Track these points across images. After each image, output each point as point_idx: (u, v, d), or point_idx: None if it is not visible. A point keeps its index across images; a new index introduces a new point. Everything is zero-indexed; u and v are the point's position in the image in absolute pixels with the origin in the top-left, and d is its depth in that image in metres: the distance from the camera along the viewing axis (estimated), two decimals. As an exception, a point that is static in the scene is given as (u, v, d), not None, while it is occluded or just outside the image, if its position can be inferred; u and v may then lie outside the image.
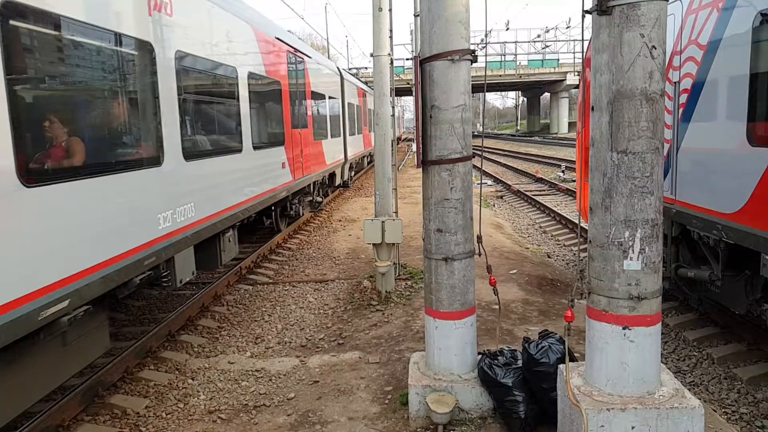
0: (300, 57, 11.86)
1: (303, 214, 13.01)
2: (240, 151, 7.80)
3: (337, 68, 18.28)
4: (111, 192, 4.72)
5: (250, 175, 8.22)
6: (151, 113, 5.46)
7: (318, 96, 13.67)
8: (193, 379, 5.61)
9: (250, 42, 8.50)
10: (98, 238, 4.50)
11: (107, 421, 4.85)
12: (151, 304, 7.91)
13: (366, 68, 37.50)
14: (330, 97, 15.48)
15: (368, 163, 28.81)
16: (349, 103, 19.07)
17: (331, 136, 15.41)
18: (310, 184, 12.59)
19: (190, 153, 6.20)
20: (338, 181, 17.53)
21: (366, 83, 27.64)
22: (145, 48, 5.34)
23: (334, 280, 8.89)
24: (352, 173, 21.67)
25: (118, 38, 4.91)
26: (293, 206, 11.84)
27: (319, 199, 13.94)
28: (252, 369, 5.77)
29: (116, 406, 4.99)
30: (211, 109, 7.19)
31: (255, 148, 8.37)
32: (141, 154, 5.26)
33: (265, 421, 4.73)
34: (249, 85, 8.17)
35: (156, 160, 5.47)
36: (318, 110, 13.69)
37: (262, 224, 11.28)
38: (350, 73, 25.87)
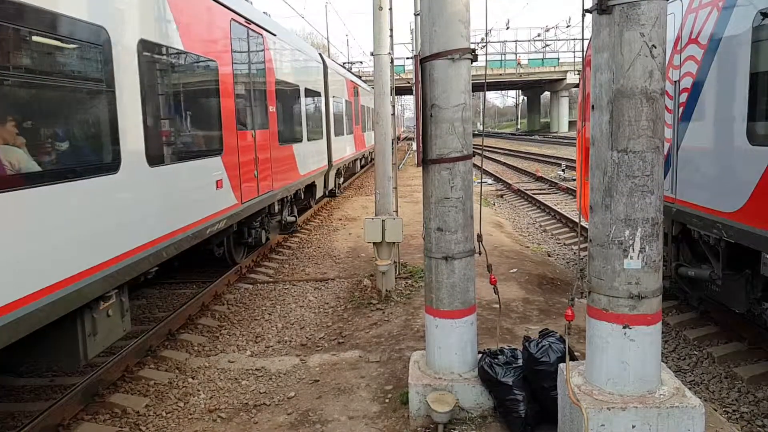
0: (256, 32, 8.65)
1: (268, 240, 9.95)
2: (115, 169, 4.91)
3: (320, 55, 14.99)
4: None
5: (145, 206, 5.40)
6: None
7: (286, 87, 10.61)
8: (193, 378, 5.61)
9: None
10: None
11: (107, 420, 4.85)
12: (151, 302, 7.92)
13: (361, 62, 37.21)
14: (308, 90, 12.48)
15: (362, 167, 26.45)
16: (335, 98, 16.15)
17: (308, 139, 12.40)
18: (273, 203, 9.72)
19: None
20: (320, 192, 14.47)
21: (360, 77, 26.92)
22: None
23: (335, 279, 8.90)
24: (341, 180, 18.73)
25: None
26: (252, 231, 9.10)
27: (290, 218, 11.04)
28: (252, 368, 5.77)
29: (116, 405, 5.00)
30: (29, 100, 4.07)
31: (154, 162, 5.52)
32: None
33: (266, 420, 4.73)
34: (141, 60, 5.34)
35: None
36: (286, 106, 10.66)
37: (212, 255, 8.52)
38: (345, 68, 24.13)
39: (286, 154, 10.41)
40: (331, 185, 16.02)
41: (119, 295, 5.18)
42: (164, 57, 5.93)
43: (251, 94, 8.45)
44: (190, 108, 6.61)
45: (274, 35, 9.72)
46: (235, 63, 7.78)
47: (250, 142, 8.33)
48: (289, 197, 10.93)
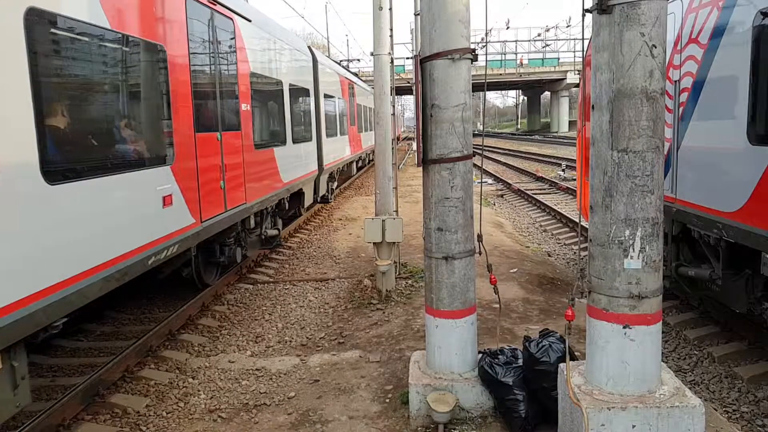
0: (224, 15, 7.29)
1: (245, 257, 8.84)
2: None
3: (309, 48, 13.39)
4: None
5: (42, 239, 3.99)
6: None
7: (265, 82, 9.17)
8: (193, 378, 5.61)
9: None
10: None
11: (107, 420, 4.85)
12: (152, 303, 7.92)
13: (358, 60, 37.25)
14: (293, 86, 10.96)
15: (359, 169, 25.13)
16: (327, 96, 14.57)
17: (294, 141, 10.89)
18: (248, 217, 8.36)
19: None
20: (309, 200, 12.92)
21: (359, 76, 26.55)
22: None
23: (335, 279, 8.90)
24: (334, 184, 17.19)
25: None
26: (225, 249, 7.92)
27: (272, 232, 9.72)
28: (252, 368, 5.77)
29: (117, 405, 5.00)
30: None
31: (57, 177, 4.14)
32: None
33: (266, 420, 4.73)
34: (32, 38, 3.92)
35: None
36: (265, 104, 9.29)
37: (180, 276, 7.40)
38: (342, 65, 23.01)
39: (264, 159, 8.96)
40: (322, 191, 14.53)
41: (8, 359, 3.83)
42: (75, 35, 4.48)
43: (217, 90, 7.06)
44: (121, 105, 5.20)
45: (249, 21, 8.27)
46: (193, 50, 6.37)
47: (215, 147, 6.93)
48: (270, 208, 9.50)
